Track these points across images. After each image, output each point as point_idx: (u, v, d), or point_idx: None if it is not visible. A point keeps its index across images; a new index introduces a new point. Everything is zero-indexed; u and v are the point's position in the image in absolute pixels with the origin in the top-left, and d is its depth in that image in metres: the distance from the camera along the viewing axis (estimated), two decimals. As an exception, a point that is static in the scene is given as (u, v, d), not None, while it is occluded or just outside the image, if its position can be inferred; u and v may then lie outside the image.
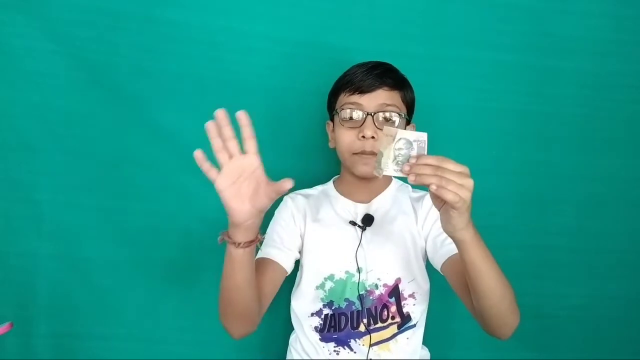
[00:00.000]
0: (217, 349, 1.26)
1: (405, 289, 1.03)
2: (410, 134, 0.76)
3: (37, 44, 1.18)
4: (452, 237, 0.81)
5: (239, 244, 0.80)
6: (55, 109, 1.20)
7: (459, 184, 0.72)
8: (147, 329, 1.25)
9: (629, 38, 1.30)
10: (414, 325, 1.05)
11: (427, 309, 1.08)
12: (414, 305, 1.04)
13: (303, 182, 1.15)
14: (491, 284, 0.84)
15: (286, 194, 0.84)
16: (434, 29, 1.28)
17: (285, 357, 1.14)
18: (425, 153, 0.76)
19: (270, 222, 1.09)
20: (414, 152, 0.76)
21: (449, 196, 0.72)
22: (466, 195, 0.73)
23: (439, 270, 1.01)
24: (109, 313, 1.24)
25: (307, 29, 1.26)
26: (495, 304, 0.86)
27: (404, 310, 1.03)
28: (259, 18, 1.24)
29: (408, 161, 0.75)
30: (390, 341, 1.03)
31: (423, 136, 0.76)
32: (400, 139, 0.76)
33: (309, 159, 1.27)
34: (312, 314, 1.05)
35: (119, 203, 1.23)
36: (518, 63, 1.29)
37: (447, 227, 0.79)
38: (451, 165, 0.73)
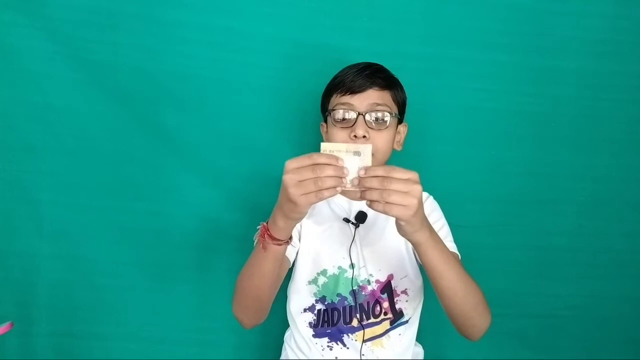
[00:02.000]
0: (217, 348, 1.27)
1: (397, 285, 1.05)
2: (356, 147, 0.78)
3: (37, 44, 1.18)
4: (408, 240, 0.84)
5: (281, 241, 0.86)
6: (56, 109, 1.20)
7: (404, 192, 0.74)
8: (147, 329, 1.25)
9: (628, 38, 1.30)
10: (407, 322, 1.06)
11: (421, 306, 1.09)
12: (406, 301, 1.05)
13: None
14: (451, 285, 0.87)
15: None
16: (434, 29, 1.28)
17: (281, 355, 1.15)
18: (370, 164, 0.78)
19: None
20: (362, 164, 0.78)
21: (393, 212, 0.75)
22: (412, 202, 0.75)
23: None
24: (109, 313, 1.24)
25: (307, 29, 1.26)
26: (457, 305, 0.89)
27: (397, 306, 1.05)
28: (259, 18, 1.24)
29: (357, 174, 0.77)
30: (383, 337, 1.04)
31: (367, 148, 0.78)
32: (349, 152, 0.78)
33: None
34: (306, 310, 1.06)
35: (119, 203, 1.23)
36: (517, 63, 1.29)
37: (401, 232, 0.82)
38: (399, 174, 0.75)
